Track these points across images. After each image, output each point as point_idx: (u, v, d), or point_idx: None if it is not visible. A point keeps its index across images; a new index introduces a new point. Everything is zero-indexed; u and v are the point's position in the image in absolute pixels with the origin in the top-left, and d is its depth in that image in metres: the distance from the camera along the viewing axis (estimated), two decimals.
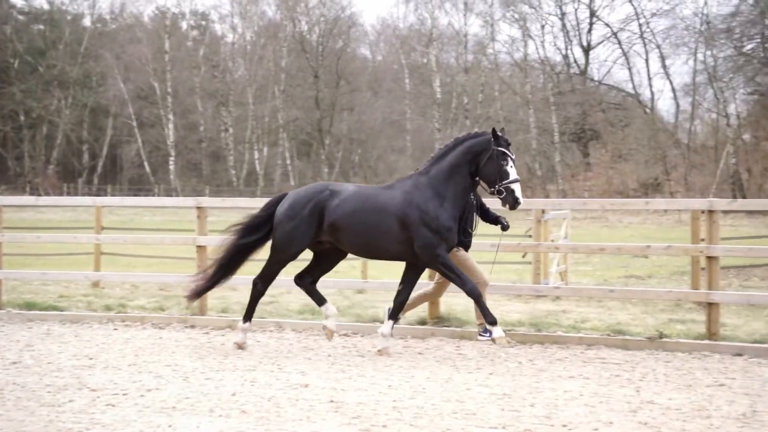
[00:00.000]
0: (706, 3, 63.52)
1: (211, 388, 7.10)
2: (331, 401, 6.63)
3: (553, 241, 14.15)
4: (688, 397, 6.79)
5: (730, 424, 5.99)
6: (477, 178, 8.47)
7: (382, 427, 5.92)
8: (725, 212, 29.60)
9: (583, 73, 54.51)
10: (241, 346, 8.93)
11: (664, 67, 52.29)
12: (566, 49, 54.90)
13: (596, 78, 55.32)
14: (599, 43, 54.70)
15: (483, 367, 8.05)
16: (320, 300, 9.03)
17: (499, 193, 8.33)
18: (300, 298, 11.89)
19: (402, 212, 8.40)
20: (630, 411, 6.36)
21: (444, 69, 57.39)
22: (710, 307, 9.20)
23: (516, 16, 53.20)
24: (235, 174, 61.31)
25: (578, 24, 54.29)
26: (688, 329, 10.03)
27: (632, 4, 51.67)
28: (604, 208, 12.89)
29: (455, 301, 12.25)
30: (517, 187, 8.31)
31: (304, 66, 62.40)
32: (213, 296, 12.43)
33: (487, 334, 9.00)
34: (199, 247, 10.86)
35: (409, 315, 10.05)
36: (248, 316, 9.05)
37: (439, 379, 7.49)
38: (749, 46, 46.19)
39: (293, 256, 8.84)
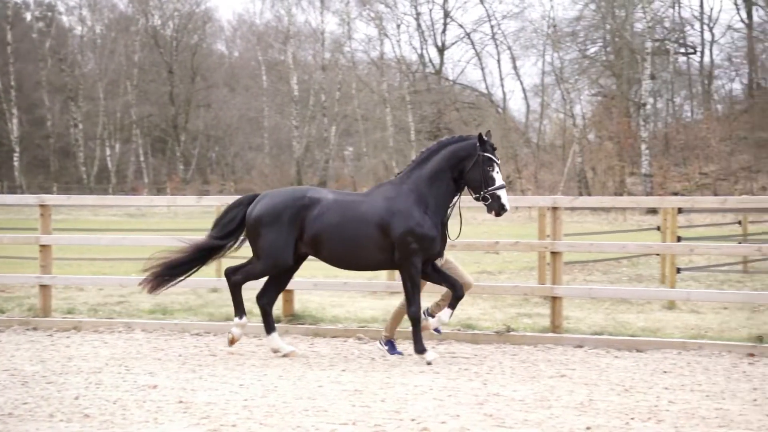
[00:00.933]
0: (552, 7, 65.93)
1: (53, 392, 6.84)
2: (180, 402, 6.51)
3: None
4: (531, 389, 7.02)
5: (569, 413, 6.23)
6: (462, 184, 8.23)
7: (232, 426, 5.85)
8: (570, 209, 30.78)
9: (438, 72, 55.53)
10: (234, 340, 8.52)
11: (514, 68, 53.90)
12: (421, 48, 55.78)
13: (451, 77, 56.47)
14: (453, 44, 55.86)
15: (336, 364, 8.09)
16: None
17: (485, 199, 8.11)
18: (150, 297, 11.61)
19: (383, 220, 8.10)
20: (477, 403, 6.52)
21: (302, 66, 57.25)
22: (554, 300, 9.55)
23: (372, 14, 53.66)
24: (85, 171, 59.21)
25: (433, 24, 55.27)
26: (535, 323, 10.38)
27: (484, 6, 52.86)
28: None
29: (310, 298, 12.26)
30: (503, 194, 8.11)
31: (157, 61, 60.96)
32: (58, 297, 11.99)
33: (386, 346, 8.57)
34: (42, 246, 10.43)
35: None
36: (239, 311, 8.53)
37: (291, 376, 7.47)
38: (593, 50, 48.28)
39: (276, 268, 8.34)
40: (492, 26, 54.10)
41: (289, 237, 8.18)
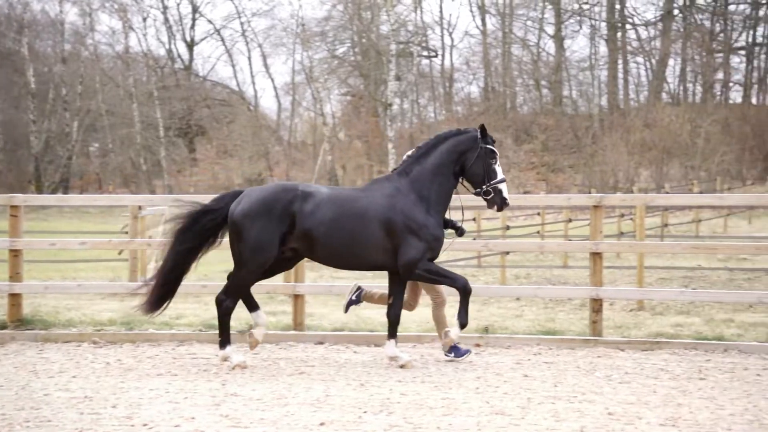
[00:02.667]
0: (300, 6, 66.53)
1: None
2: None
3: (150, 237, 13.92)
4: (269, 387, 7.03)
5: (305, 410, 6.30)
6: (460, 179, 7.96)
7: None
8: None
9: (188, 68, 54.46)
10: (242, 366, 7.82)
11: (265, 65, 54.01)
12: (170, 43, 54.48)
13: (201, 74, 55.58)
14: (203, 39, 55.00)
15: (66, 371, 7.70)
16: (252, 305, 8.11)
17: (486, 193, 7.87)
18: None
19: (386, 218, 7.69)
20: (213, 404, 6.44)
21: (40, 58, 54.09)
22: (296, 298, 9.63)
23: (116, 6, 51.67)
24: None
25: (181, 19, 54.15)
26: (279, 321, 10.41)
27: (233, 3, 52.55)
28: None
29: (43, 302, 11.61)
30: (504, 188, 7.88)
31: None
32: None
33: (452, 353, 8.18)
34: None
35: None
36: (225, 339, 7.87)
37: (14, 386, 7.01)
38: (341, 50, 49.30)
39: (263, 266, 7.76)
40: (242, 23, 53.92)
41: (276, 232, 7.63)
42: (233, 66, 56.16)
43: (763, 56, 49.73)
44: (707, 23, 49.87)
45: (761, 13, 49.26)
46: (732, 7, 50.11)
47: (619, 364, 8.04)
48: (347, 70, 48.88)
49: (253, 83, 69.39)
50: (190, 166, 50.57)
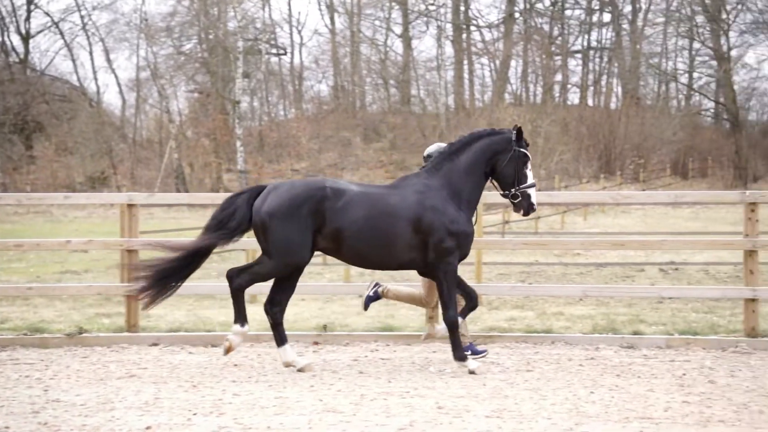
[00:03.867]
0: (144, 1, 64.80)
1: None
2: None
3: None
4: (96, 392, 6.80)
5: (132, 414, 6.12)
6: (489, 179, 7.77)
7: None
8: (149, 206, 30.62)
9: (24, 62, 52.05)
10: (231, 348, 7.54)
11: (108, 61, 52.24)
12: (2, 35, 51.90)
13: (38, 68, 53.23)
14: (39, 32, 52.64)
15: None
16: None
17: (514, 197, 7.69)
18: None
19: (416, 215, 7.43)
20: (32, 412, 6.16)
21: None
22: (129, 299, 9.34)
23: None
24: None
25: (15, 10, 51.65)
26: (113, 323, 10.11)
27: None
28: (20, 202, 12.38)
29: None
30: (533, 193, 7.69)
31: None
32: None
33: (468, 351, 7.99)
34: None
35: None
36: (238, 316, 7.58)
37: None
38: (188, 46, 48.33)
39: (292, 268, 7.50)
40: (82, 16, 51.99)
41: (307, 232, 7.34)
42: (74, 61, 53.84)
43: (597, 59, 52.13)
44: (546, 27, 51.79)
45: (595, 18, 51.62)
46: (568, 12, 52.29)
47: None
48: (194, 66, 47.96)
49: (96, 79, 66.96)
50: (27, 164, 48.35)
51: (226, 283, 7.64)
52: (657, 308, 11.62)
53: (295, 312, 11.42)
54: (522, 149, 7.69)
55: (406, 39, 49.52)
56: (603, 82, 52.07)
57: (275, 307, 7.67)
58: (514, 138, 7.68)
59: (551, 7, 51.43)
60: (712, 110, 51.21)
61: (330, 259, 18.46)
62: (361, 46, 49.90)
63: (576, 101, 51.24)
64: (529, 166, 7.75)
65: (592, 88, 51.99)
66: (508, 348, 8.76)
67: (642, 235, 21.59)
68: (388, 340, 9.10)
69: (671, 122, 47.07)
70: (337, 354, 8.52)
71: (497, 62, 50.18)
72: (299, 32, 50.48)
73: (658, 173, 45.00)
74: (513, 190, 7.71)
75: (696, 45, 50.17)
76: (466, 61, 50.42)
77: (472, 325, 10.09)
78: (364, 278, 16.05)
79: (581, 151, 43.16)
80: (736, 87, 48.50)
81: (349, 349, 8.80)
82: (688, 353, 8.40)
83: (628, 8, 51.25)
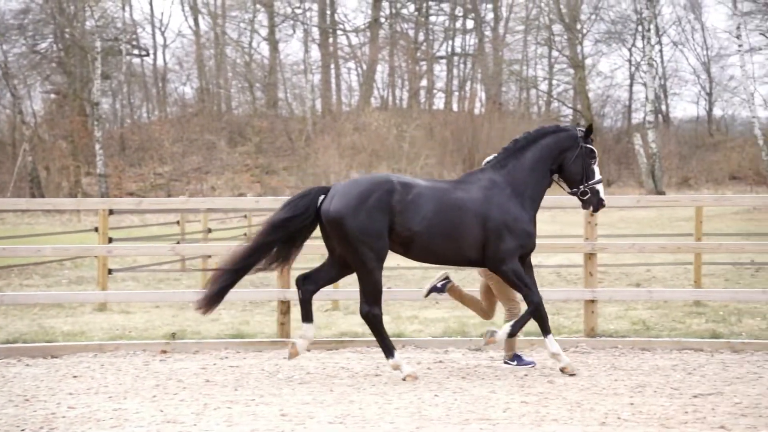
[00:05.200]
0: None
1: None
2: None
3: None
4: None
5: None
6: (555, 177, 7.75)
7: None
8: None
9: None
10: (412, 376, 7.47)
11: None
12: None
13: None
14: None
15: None
16: (307, 316, 7.55)
17: (583, 194, 7.65)
18: None
19: (482, 211, 7.40)
20: None
21: None
22: None
23: None
24: None
25: None
26: None
27: None
28: None
29: None
30: (601, 188, 7.65)
31: None
32: None
33: (514, 361, 7.92)
34: None
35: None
36: (386, 348, 7.55)
37: None
38: (43, 45, 46.55)
39: (381, 256, 7.36)
40: None
41: (382, 221, 7.27)
42: None
43: (462, 65, 53.18)
44: (412, 33, 52.46)
45: (459, 24, 52.66)
46: (433, 18, 53.13)
47: (303, 365, 8.15)
48: (50, 66, 46.24)
49: None
50: None
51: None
52: None
53: (146, 320, 11.15)
54: (589, 145, 7.73)
55: (272, 42, 49.20)
56: (467, 88, 53.16)
57: (309, 285, 7.61)
58: (581, 134, 7.71)
59: (416, 13, 52.14)
60: (570, 116, 53.00)
61: (189, 264, 18.12)
62: (227, 48, 49.26)
63: (441, 106, 52.11)
64: (596, 162, 7.76)
65: (456, 93, 52.99)
66: (359, 353, 8.78)
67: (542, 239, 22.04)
68: (239, 347, 8.98)
69: (531, 127, 48.28)
70: (185, 362, 8.34)
71: (363, 67, 50.51)
72: (162, 33, 49.54)
73: None
74: (582, 187, 7.69)
75: (555, 53, 51.86)
76: (333, 65, 50.49)
77: (326, 330, 10.09)
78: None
79: (445, 156, 43.87)
80: (591, 94, 50.33)
81: (198, 357, 8.63)
82: (532, 354, 8.59)
83: (490, 15, 52.53)
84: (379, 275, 7.43)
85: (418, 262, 7.89)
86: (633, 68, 49.71)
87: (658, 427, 5.98)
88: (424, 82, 51.74)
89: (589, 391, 7.03)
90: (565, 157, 7.68)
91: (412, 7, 52.41)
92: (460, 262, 7.74)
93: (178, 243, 16.28)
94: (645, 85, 41.74)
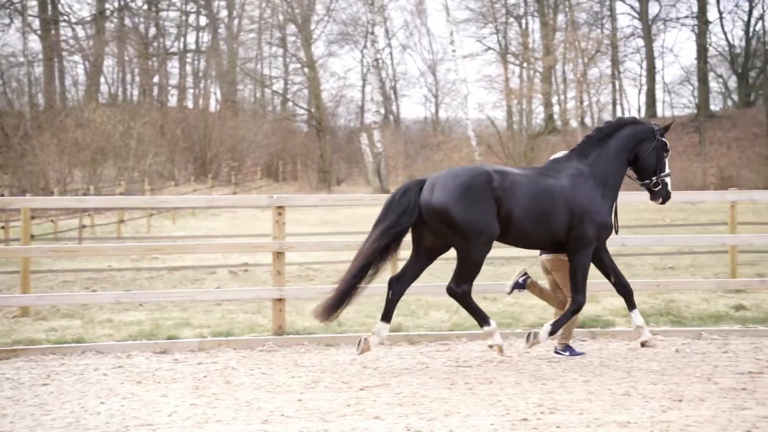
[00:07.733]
0: None
1: None
2: None
3: None
4: None
5: None
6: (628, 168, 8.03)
7: None
8: None
9: None
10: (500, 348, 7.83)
11: None
12: None
13: None
14: None
15: None
16: (388, 315, 7.73)
17: (655, 185, 7.99)
18: None
19: (570, 198, 7.63)
20: None
21: None
22: None
23: None
24: None
25: None
26: None
27: None
28: None
29: None
30: (669, 181, 8.03)
31: None
32: None
33: (566, 352, 8.12)
34: None
35: None
36: (483, 318, 7.74)
37: None
38: None
39: (489, 245, 7.54)
40: None
41: (488, 208, 7.43)
42: None
43: (196, 62, 52.36)
44: (143, 27, 50.91)
45: (192, 20, 51.83)
46: (164, 14, 51.88)
47: None
48: None
49: None
50: None
51: None
52: (210, 311, 11.72)
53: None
54: (663, 138, 8.07)
55: None
56: (201, 86, 52.38)
57: (401, 287, 7.75)
58: (657, 128, 8.06)
59: (145, 7, 50.65)
60: (305, 116, 53.68)
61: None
62: None
63: (175, 103, 50.96)
64: (669, 156, 8.11)
65: (192, 90, 52.07)
66: (32, 362, 8.27)
67: (231, 237, 21.77)
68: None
69: (263, 127, 48.58)
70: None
71: (90, 61, 48.33)
72: None
73: (252, 176, 46.18)
74: (654, 178, 8.02)
75: (288, 53, 52.27)
76: (56, 58, 47.85)
77: (5, 338, 9.46)
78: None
79: (176, 154, 42.96)
80: (325, 94, 51.29)
81: None
82: (219, 354, 8.54)
83: (224, 12, 52.10)
84: (482, 260, 7.63)
85: (512, 246, 8.02)
86: (365, 69, 51.19)
87: (317, 422, 6.09)
88: (156, 79, 50.40)
89: (262, 390, 7.05)
90: (641, 148, 8.03)
91: (140, 1, 50.85)
92: (550, 245, 7.90)
93: None
94: (371, 85, 43.11)
